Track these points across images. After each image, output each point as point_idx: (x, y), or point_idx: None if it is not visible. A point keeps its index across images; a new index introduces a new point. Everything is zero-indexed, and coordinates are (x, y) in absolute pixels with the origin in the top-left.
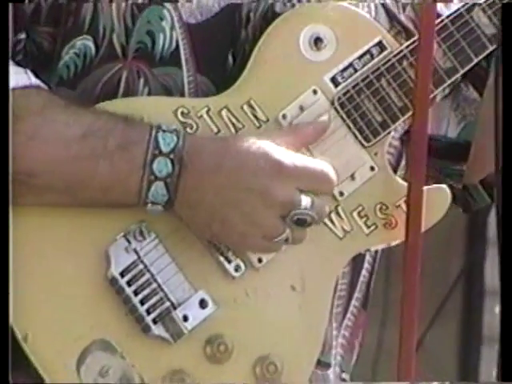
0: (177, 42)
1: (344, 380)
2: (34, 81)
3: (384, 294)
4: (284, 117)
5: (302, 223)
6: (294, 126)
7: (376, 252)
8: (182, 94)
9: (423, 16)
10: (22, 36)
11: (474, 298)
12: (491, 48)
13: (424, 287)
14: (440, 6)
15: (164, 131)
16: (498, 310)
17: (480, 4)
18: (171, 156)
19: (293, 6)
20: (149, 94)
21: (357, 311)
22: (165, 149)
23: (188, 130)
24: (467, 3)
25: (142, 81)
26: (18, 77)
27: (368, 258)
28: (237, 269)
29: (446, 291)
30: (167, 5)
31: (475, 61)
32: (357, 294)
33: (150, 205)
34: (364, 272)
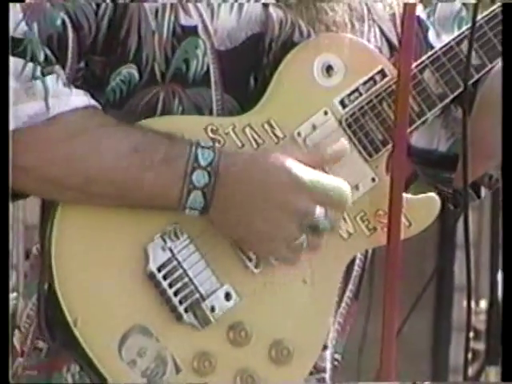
0: (208, 66)
1: (336, 360)
2: (93, 102)
3: (370, 288)
4: (299, 134)
5: (315, 229)
6: (316, 148)
7: (366, 251)
8: (211, 111)
9: (402, 50)
10: (82, 65)
11: (445, 293)
12: (477, 76)
13: (403, 283)
14: (433, 38)
15: (202, 147)
16: (465, 303)
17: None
18: (208, 169)
19: (308, 36)
20: (182, 111)
21: (350, 301)
22: (203, 162)
23: (216, 144)
24: (457, 36)
25: (176, 100)
26: (80, 98)
27: (359, 255)
28: (257, 265)
29: (422, 287)
30: (202, 35)
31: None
32: (350, 287)
33: (188, 210)
34: (356, 267)
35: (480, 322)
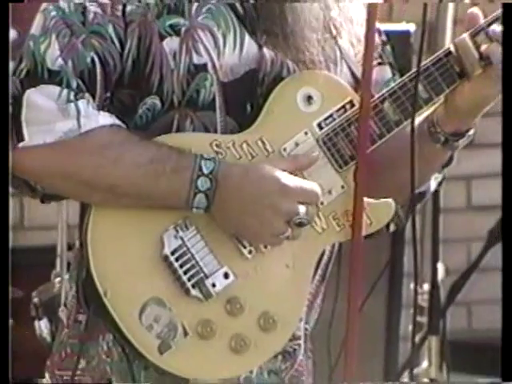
0: (214, 94)
1: (306, 329)
2: (117, 122)
3: (337, 273)
4: (284, 149)
5: (300, 225)
6: (294, 156)
7: (334, 243)
8: (216, 130)
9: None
10: (108, 95)
11: (396, 279)
12: (425, 107)
13: (363, 270)
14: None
15: (205, 159)
16: (412, 286)
17: (452, 53)
18: (210, 176)
19: (294, 72)
20: (193, 129)
21: (318, 283)
22: (206, 171)
23: (219, 156)
24: (410, 75)
25: (188, 121)
26: (106, 118)
27: (328, 246)
28: (250, 252)
29: (378, 274)
30: (210, 70)
31: (447, 91)
32: (319, 271)
33: (194, 209)
34: (325, 257)
35: (423, 300)
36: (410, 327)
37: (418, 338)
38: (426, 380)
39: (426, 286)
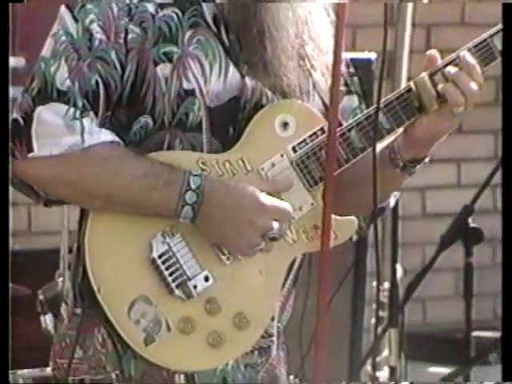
0: (201, 117)
1: (279, 327)
2: (117, 139)
3: (308, 276)
4: (262, 169)
5: (273, 240)
6: (274, 180)
7: (305, 253)
8: (202, 150)
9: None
10: (109, 113)
11: (360, 278)
12: (387, 136)
13: (331, 272)
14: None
15: (193, 175)
16: (374, 284)
17: (412, 89)
18: (197, 191)
19: (272, 101)
20: (182, 148)
21: (290, 287)
22: (193, 186)
23: (204, 172)
24: (374, 107)
25: (177, 140)
26: (107, 135)
27: (299, 256)
28: (228, 259)
29: (344, 274)
30: (198, 95)
31: (407, 123)
32: (291, 276)
33: (181, 219)
34: (296, 264)
35: (384, 297)
36: (373, 320)
37: (379, 330)
38: (385, 367)
39: (387, 285)
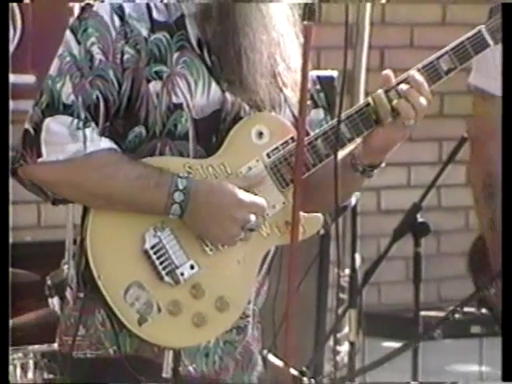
0: (188, 128)
1: (254, 310)
2: (114, 146)
3: (279, 265)
4: (240, 172)
5: (250, 230)
6: (247, 177)
7: (277, 246)
8: (188, 156)
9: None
10: (108, 124)
11: (324, 266)
12: (348, 144)
13: (299, 261)
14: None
15: (180, 177)
16: (336, 271)
17: (370, 104)
18: (184, 191)
19: (249, 114)
20: (171, 154)
21: (264, 274)
22: (181, 187)
23: (190, 175)
24: (338, 120)
25: (167, 148)
26: (106, 143)
27: (272, 247)
28: (211, 250)
29: (310, 262)
30: (185, 109)
31: (365, 133)
32: (265, 266)
33: (171, 215)
34: (270, 255)
35: (345, 282)
36: (335, 302)
37: (340, 311)
38: (346, 342)
39: (347, 271)
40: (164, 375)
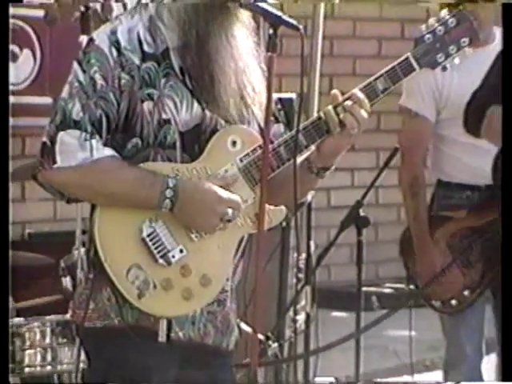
0: (175, 139)
1: (231, 286)
2: (116, 154)
3: (250, 249)
4: (219, 174)
5: (228, 221)
6: (225, 177)
7: (250, 233)
8: (176, 161)
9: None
10: (109, 136)
11: (285, 251)
12: (305, 150)
13: (265, 247)
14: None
15: (170, 178)
16: (295, 255)
17: (322, 118)
18: (173, 189)
19: (225, 127)
20: (162, 161)
21: (239, 257)
22: (171, 185)
23: (178, 176)
24: (319, 115)
25: (159, 155)
26: (109, 152)
27: (245, 235)
28: (196, 237)
29: (273, 248)
30: (173, 123)
31: (318, 141)
32: (240, 250)
33: (163, 209)
34: (243, 242)
35: (302, 264)
36: (294, 280)
37: (298, 287)
38: (303, 313)
39: (303, 255)
40: (160, 340)
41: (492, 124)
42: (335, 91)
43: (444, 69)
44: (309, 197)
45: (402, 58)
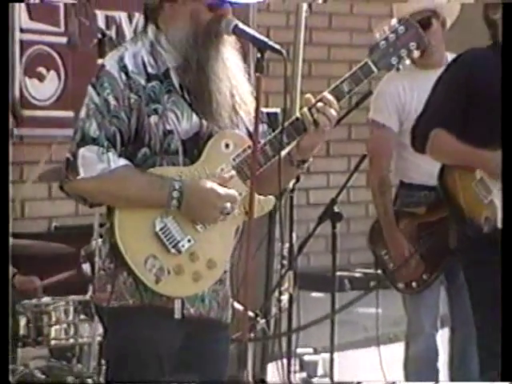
0: (178, 146)
1: (228, 267)
2: (130, 163)
3: (241, 237)
4: (216, 173)
5: (227, 214)
6: (221, 176)
7: (244, 222)
8: (179, 165)
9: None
10: (123, 148)
11: (271, 240)
12: (287, 147)
13: (254, 236)
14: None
15: (176, 180)
16: (279, 245)
17: (299, 118)
18: (180, 190)
19: (217, 132)
20: (167, 165)
21: (236, 243)
22: (177, 187)
23: (182, 177)
24: (296, 116)
25: (165, 161)
26: (124, 161)
27: (240, 223)
28: (201, 228)
29: (261, 238)
30: (175, 134)
31: (297, 138)
32: (237, 237)
33: (172, 207)
34: (239, 229)
35: (286, 252)
36: (279, 266)
37: (283, 272)
38: (286, 293)
39: (287, 245)
40: (176, 317)
41: (434, 144)
42: (309, 95)
43: (397, 70)
44: (290, 185)
45: (362, 63)
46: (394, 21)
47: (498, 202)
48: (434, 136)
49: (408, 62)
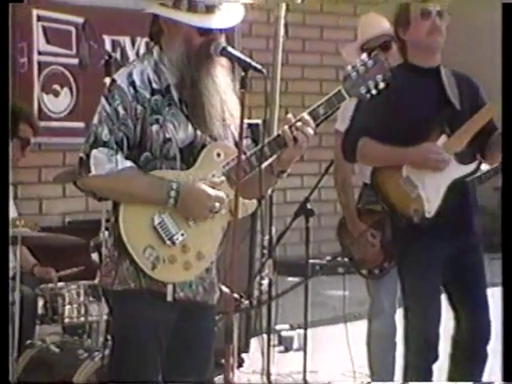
0: (175, 153)
1: (216, 258)
2: (134, 165)
3: (228, 233)
4: (208, 178)
5: (216, 212)
6: (213, 180)
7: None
8: (177, 169)
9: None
10: (128, 152)
11: (254, 233)
12: (270, 158)
13: (239, 232)
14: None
15: (173, 182)
16: (260, 237)
17: (281, 135)
18: (176, 190)
19: (210, 142)
20: (166, 169)
21: (222, 237)
22: (174, 187)
23: (179, 180)
24: (278, 133)
25: (164, 165)
26: (130, 163)
27: (227, 221)
28: (193, 223)
29: (245, 234)
30: (174, 142)
31: (278, 152)
32: (224, 232)
33: (169, 205)
34: (225, 226)
35: (265, 243)
36: (260, 255)
37: (263, 260)
38: (267, 278)
39: (267, 237)
40: (168, 299)
41: (362, 152)
42: (289, 115)
43: (366, 98)
44: (269, 191)
45: (336, 91)
46: (364, 55)
47: (424, 195)
48: (362, 145)
49: (374, 92)
